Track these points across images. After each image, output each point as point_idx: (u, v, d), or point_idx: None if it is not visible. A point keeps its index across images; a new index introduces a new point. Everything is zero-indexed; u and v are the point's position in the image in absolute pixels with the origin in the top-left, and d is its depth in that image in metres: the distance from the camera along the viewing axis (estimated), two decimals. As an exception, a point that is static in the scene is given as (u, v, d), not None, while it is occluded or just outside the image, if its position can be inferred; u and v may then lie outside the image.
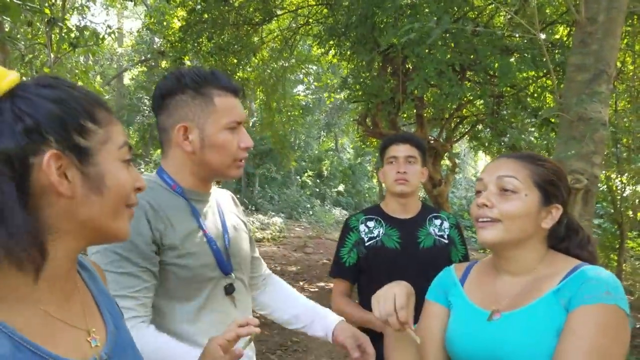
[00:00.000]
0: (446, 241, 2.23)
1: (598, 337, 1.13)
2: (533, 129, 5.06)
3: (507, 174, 1.31)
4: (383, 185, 2.27)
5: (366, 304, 2.24)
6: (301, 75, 14.95)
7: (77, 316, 0.85)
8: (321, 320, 1.74)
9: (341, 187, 23.16)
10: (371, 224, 2.23)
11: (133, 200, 0.88)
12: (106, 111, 0.85)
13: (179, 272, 1.41)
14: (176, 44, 8.45)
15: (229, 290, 1.50)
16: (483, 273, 1.44)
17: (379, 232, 2.21)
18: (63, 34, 7.81)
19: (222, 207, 1.62)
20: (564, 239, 1.38)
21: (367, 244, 2.20)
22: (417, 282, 2.10)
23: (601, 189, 7.56)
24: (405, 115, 8.62)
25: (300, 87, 18.99)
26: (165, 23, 10.11)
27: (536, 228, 1.31)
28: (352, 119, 12.26)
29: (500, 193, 1.29)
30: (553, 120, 5.48)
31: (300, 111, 15.64)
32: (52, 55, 7.73)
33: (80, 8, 10.11)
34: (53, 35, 7.70)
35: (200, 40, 8.17)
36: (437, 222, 2.27)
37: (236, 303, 1.53)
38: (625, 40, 5.97)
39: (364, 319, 2.12)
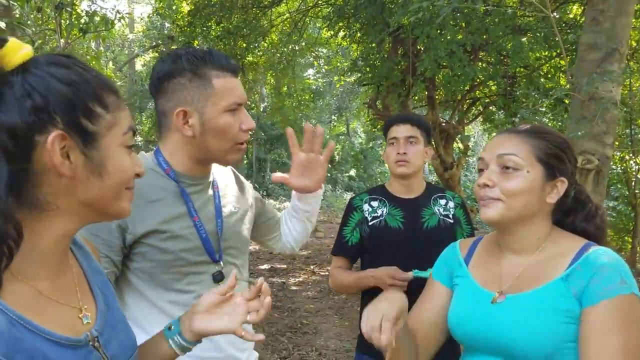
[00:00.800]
0: (451, 221, 2.21)
1: (627, 332, 1.11)
2: (545, 109, 4.98)
3: (507, 152, 1.26)
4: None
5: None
6: (311, 59, 14.85)
7: (69, 294, 0.86)
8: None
9: (353, 172, 23.13)
10: (375, 203, 2.22)
11: (132, 184, 0.88)
12: (115, 95, 0.85)
13: (159, 255, 1.38)
14: (185, 28, 8.43)
15: (217, 277, 1.46)
16: (488, 252, 1.40)
17: (382, 211, 2.20)
18: (72, 20, 7.82)
19: (221, 189, 1.59)
20: (570, 213, 1.34)
21: (370, 223, 2.19)
22: (421, 261, 2.10)
23: (616, 170, 7.46)
24: (416, 97, 8.54)
25: (311, 71, 18.89)
26: (174, 7, 10.07)
27: (541, 204, 1.27)
28: (363, 103, 12.19)
29: (502, 171, 1.26)
30: (566, 100, 5.40)
31: (311, 95, 15.59)
32: (62, 41, 7.74)
33: (89, -7, 10.10)
34: (62, 21, 7.71)
35: (209, 24, 8.14)
36: (442, 201, 2.25)
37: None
38: (641, 19, 5.84)
39: (360, 280, 2.16)
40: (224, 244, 1.50)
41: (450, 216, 2.22)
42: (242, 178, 1.77)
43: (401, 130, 2.19)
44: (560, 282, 1.20)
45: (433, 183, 2.75)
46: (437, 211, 2.21)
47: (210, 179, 1.56)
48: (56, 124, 0.75)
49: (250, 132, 1.49)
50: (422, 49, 6.48)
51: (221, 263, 1.47)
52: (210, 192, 1.54)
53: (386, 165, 2.35)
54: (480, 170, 1.32)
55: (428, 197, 2.25)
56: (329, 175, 22.62)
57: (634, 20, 5.33)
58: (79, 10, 8.12)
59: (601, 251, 1.21)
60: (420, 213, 2.19)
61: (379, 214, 2.20)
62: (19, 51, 0.75)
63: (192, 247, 1.42)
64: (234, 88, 1.42)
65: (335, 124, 24.75)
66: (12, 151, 0.72)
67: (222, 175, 1.65)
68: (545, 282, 1.22)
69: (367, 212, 2.22)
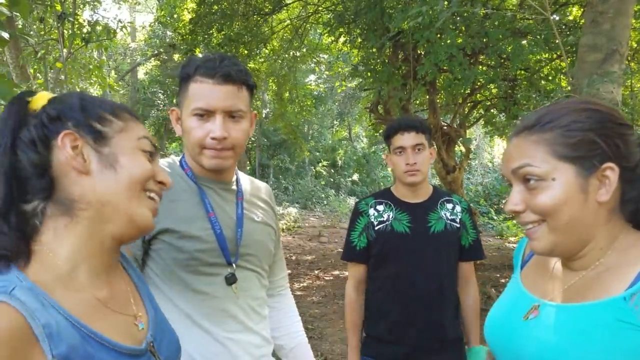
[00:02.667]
0: (458, 225, 2.21)
1: None
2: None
3: (518, 164, 0.99)
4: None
5: (375, 289, 2.24)
6: (312, 65, 14.91)
7: (125, 302, 0.92)
8: None
9: (355, 177, 23.14)
10: (381, 207, 2.21)
11: (154, 188, 0.93)
12: (127, 112, 0.94)
13: (174, 253, 1.41)
14: (187, 36, 8.48)
15: (230, 280, 1.46)
16: (545, 258, 1.16)
17: (388, 216, 2.18)
18: (75, 29, 7.88)
19: (247, 200, 1.60)
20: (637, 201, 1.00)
21: (376, 227, 2.18)
22: (427, 266, 2.11)
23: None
24: (417, 101, 8.56)
25: (312, 77, 18.95)
26: (175, 16, 10.13)
27: (591, 209, 0.96)
28: (364, 107, 12.21)
29: (526, 187, 0.99)
30: (567, 102, 5.40)
31: (313, 101, 15.63)
32: (64, 51, 7.80)
33: (91, 3, 10.18)
34: (65, 31, 7.77)
35: (211, 31, 8.18)
36: (449, 206, 2.24)
37: (239, 294, 1.48)
38: (641, 20, 5.86)
39: (349, 345, 2.26)
40: (242, 250, 1.51)
41: (457, 221, 2.21)
42: (273, 198, 1.76)
43: (407, 139, 2.15)
44: (621, 302, 0.90)
45: (444, 190, 2.74)
46: (444, 215, 2.20)
47: (234, 187, 1.58)
48: (67, 126, 0.86)
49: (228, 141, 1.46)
50: (422, 53, 6.50)
51: (234, 266, 1.48)
52: (233, 199, 1.56)
53: (389, 169, 2.34)
54: (510, 185, 1.07)
55: (435, 201, 2.23)
56: (332, 180, 22.63)
57: (633, 20, 5.34)
58: (81, 20, 8.18)
59: None
60: (427, 217, 2.18)
61: (384, 219, 2.18)
62: (46, 98, 0.90)
63: (208, 247, 1.43)
64: (206, 94, 1.42)
65: (337, 129, 24.78)
66: (35, 160, 0.83)
67: (254, 190, 1.67)
68: (598, 297, 0.94)
69: (372, 217, 2.20)
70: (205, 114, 1.42)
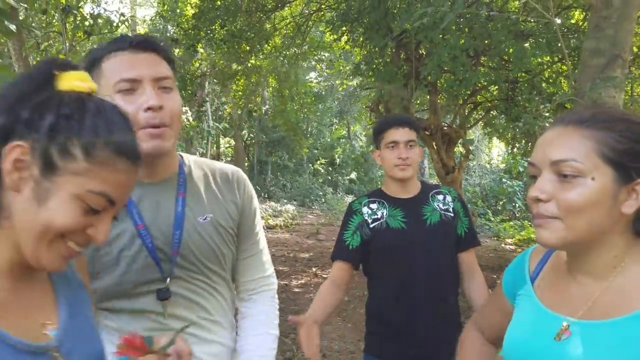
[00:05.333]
0: (452, 214, 2.23)
1: None
2: (548, 114, 5.03)
3: (563, 157, 0.97)
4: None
5: (374, 286, 2.26)
6: (313, 62, 14.92)
7: (34, 309, 0.87)
8: None
9: (353, 175, 23.14)
10: (374, 206, 2.23)
11: (77, 239, 0.83)
12: (117, 156, 0.81)
13: (102, 281, 1.26)
14: (189, 31, 8.49)
15: (161, 295, 1.28)
16: (557, 270, 1.13)
17: (382, 213, 2.20)
18: (77, 22, 7.88)
19: (190, 195, 1.37)
20: None
21: (371, 225, 2.19)
22: (429, 258, 2.12)
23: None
24: (418, 101, 8.59)
25: (313, 75, 18.96)
26: (178, 10, 10.13)
27: (614, 216, 0.97)
28: (364, 106, 12.23)
29: (559, 179, 0.97)
30: (568, 105, 5.44)
31: (313, 98, 15.65)
32: (67, 43, 7.80)
33: (93, -4, 10.17)
34: (67, 24, 7.77)
35: (214, 27, 8.19)
36: (440, 197, 2.26)
37: (171, 309, 1.31)
38: (643, 25, 5.88)
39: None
40: (182, 258, 1.32)
41: (451, 210, 2.24)
42: (240, 180, 1.50)
43: (401, 134, 2.19)
44: None
45: (432, 184, 2.76)
46: (437, 207, 2.22)
47: (174, 183, 1.36)
48: (26, 138, 0.78)
49: (155, 111, 1.22)
50: (425, 53, 6.52)
51: (168, 279, 1.30)
52: (171, 197, 1.34)
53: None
54: (532, 177, 1.03)
55: (426, 195, 2.26)
56: (329, 178, 22.65)
57: (636, 26, 5.37)
58: (83, 13, 8.18)
59: None
60: (421, 211, 2.20)
61: (379, 216, 2.20)
62: (74, 81, 0.83)
63: (138, 267, 1.27)
64: (126, 64, 1.21)
65: (336, 127, 24.80)
66: None
67: (201, 176, 1.43)
68: (628, 311, 0.94)
69: (366, 215, 2.22)
70: (130, 87, 1.20)
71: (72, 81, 0.82)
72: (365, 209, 2.24)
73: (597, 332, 0.96)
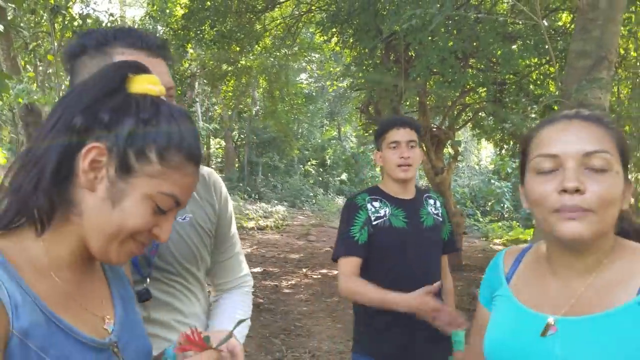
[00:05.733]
0: (441, 219, 2.29)
1: None
2: (535, 116, 5.09)
3: (596, 148, 0.97)
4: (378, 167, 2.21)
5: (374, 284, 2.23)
6: (304, 64, 14.94)
7: (94, 301, 0.90)
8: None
9: (344, 176, 23.16)
10: (376, 204, 2.22)
11: (143, 240, 0.87)
12: (184, 158, 0.85)
13: None
14: (179, 31, 8.48)
15: (143, 296, 1.26)
16: (533, 268, 1.14)
17: (385, 212, 2.20)
18: (66, 22, 7.84)
19: None
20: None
21: (374, 223, 2.19)
22: (425, 260, 2.15)
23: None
24: (407, 103, 8.63)
25: (303, 76, 18.97)
26: (167, 11, 10.11)
27: (618, 212, 1.00)
28: (354, 107, 12.26)
29: (587, 172, 0.96)
30: (555, 107, 5.50)
31: (303, 100, 15.65)
32: (55, 44, 7.76)
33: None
34: (56, 24, 7.73)
35: (203, 27, 8.18)
36: (431, 201, 2.31)
37: (151, 311, 1.29)
38: (629, 27, 5.96)
39: (385, 300, 2.03)
40: (161, 259, 1.31)
41: (440, 215, 2.29)
42: (216, 182, 1.49)
43: (402, 134, 2.19)
44: (637, 307, 0.95)
45: (423, 187, 2.79)
46: (431, 210, 2.26)
47: None
48: (104, 140, 0.81)
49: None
50: (414, 55, 6.56)
51: (148, 280, 1.28)
52: None
53: (377, 169, 2.36)
54: (549, 172, 1.00)
55: (420, 198, 2.29)
56: (320, 179, 22.66)
57: (622, 28, 5.44)
58: (72, 13, 8.14)
59: None
60: (419, 213, 2.23)
61: (381, 214, 2.20)
62: (146, 84, 0.85)
63: None
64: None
65: (327, 128, 24.82)
66: (69, 143, 0.80)
67: None
68: (614, 305, 0.97)
69: (370, 212, 2.21)
70: None
71: (145, 84, 0.85)
72: (369, 206, 2.22)
73: (582, 327, 0.97)
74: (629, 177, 1.04)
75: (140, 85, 0.85)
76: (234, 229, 1.55)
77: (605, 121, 1.03)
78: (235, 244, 1.55)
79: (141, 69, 0.87)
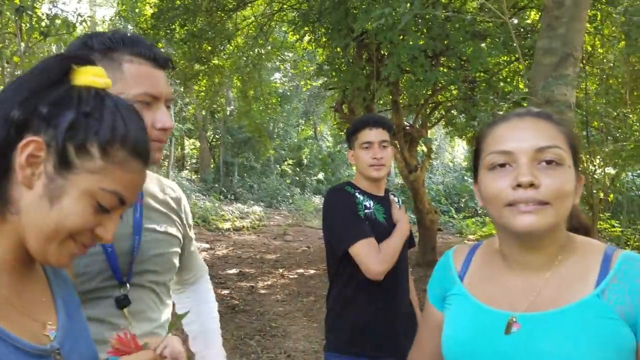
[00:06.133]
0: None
1: None
2: (502, 113, 5.16)
3: (549, 144, 0.99)
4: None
5: (342, 280, 2.20)
6: (277, 63, 14.87)
7: (35, 307, 0.86)
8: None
9: (321, 175, 23.18)
10: (361, 196, 2.23)
11: (85, 241, 0.83)
12: (132, 157, 0.81)
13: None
14: (149, 31, 8.35)
15: (122, 302, 1.26)
16: (488, 264, 1.15)
17: (370, 204, 2.21)
18: (33, 23, 7.66)
19: (147, 203, 1.38)
20: None
21: (365, 211, 2.21)
22: (400, 256, 2.14)
23: (575, 170, 7.71)
24: (381, 101, 8.66)
25: (277, 75, 18.90)
26: (137, 10, 9.96)
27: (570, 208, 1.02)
28: (329, 107, 12.26)
29: (540, 167, 0.98)
30: (525, 104, 5.57)
31: (278, 99, 15.60)
32: (22, 45, 7.58)
33: (50, -4, 9.90)
34: (23, 24, 7.55)
35: (173, 27, 8.09)
36: (395, 199, 2.36)
37: (131, 318, 1.28)
38: (595, 24, 6.07)
39: (399, 237, 2.14)
40: (138, 267, 1.31)
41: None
42: (186, 207, 1.56)
43: (374, 134, 2.21)
44: (595, 300, 0.97)
45: (398, 186, 2.81)
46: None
47: None
48: (43, 134, 0.77)
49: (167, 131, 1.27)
50: (386, 54, 6.58)
51: (127, 286, 1.28)
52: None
53: (354, 168, 2.36)
54: (502, 166, 1.02)
55: (388, 196, 2.33)
56: (297, 178, 22.63)
57: (588, 25, 5.53)
58: (39, 14, 7.96)
59: (634, 257, 1.00)
60: (385, 209, 2.26)
61: (368, 206, 2.21)
62: (91, 76, 0.82)
63: (96, 270, 1.24)
64: (150, 77, 1.22)
65: (303, 127, 24.80)
66: (5, 137, 0.76)
67: (155, 189, 1.45)
68: (573, 299, 0.99)
69: (362, 201, 2.22)
70: (150, 102, 1.22)
71: (89, 76, 0.82)
72: (358, 195, 2.23)
73: (545, 322, 0.98)
74: (579, 171, 1.05)
75: (85, 77, 0.82)
76: (192, 233, 1.61)
77: (555, 118, 1.06)
78: (192, 239, 1.61)
79: (86, 61, 0.84)
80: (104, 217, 0.82)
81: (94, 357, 0.94)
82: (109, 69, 1.16)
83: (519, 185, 0.97)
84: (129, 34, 1.25)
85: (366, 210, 2.19)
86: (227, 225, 13.50)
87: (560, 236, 1.04)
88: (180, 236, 1.48)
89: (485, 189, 1.05)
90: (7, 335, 0.76)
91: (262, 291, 7.27)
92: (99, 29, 19.49)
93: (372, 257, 2.04)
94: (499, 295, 1.07)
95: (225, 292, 7.05)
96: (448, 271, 1.21)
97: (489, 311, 1.06)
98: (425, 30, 5.65)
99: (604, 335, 0.94)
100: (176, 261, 1.45)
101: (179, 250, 1.47)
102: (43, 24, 7.81)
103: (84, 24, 8.73)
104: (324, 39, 7.60)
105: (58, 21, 7.84)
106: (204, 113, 17.86)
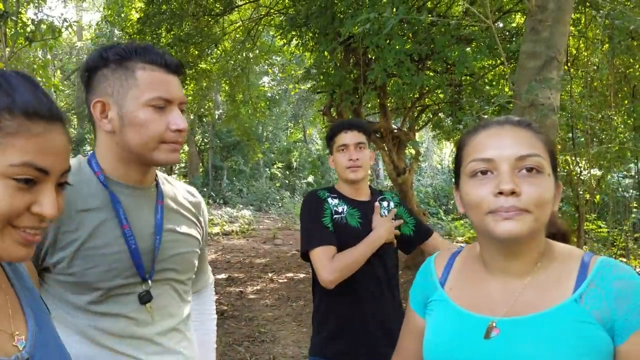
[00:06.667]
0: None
1: None
2: (487, 116, 5.19)
3: (530, 152, 1.01)
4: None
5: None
6: (265, 67, 14.86)
7: (1, 317, 0.84)
8: None
9: (311, 178, 23.19)
10: (335, 201, 2.25)
11: (27, 224, 0.77)
12: (28, 120, 0.75)
13: (80, 276, 1.26)
14: (135, 36, 8.32)
15: (144, 298, 1.32)
16: (469, 270, 1.16)
17: (343, 209, 2.23)
18: (18, 28, 7.60)
19: (167, 205, 1.44)
20: None
21: (333, 217, 2.21)
22: (373, 263, 2.14)
23: (560, 173, 7.76)
24: (369, 105, 8.68)
25: (266, 79, 18.89)
26: (123, 15, 9.92)
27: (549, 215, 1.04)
28: (318, 110, 12.26)
29: (521, 174, 1.00)
30: (511, 107, 5.61)
31: (267, 102, 15.58)
32: (7, 50, 7.51)
33: (35, 1, 9.83)
34: (7, 30, 7.48)
35: (160, 31, 8.06)
36: (385, 204, 2.32)
37: (153, 313, 1.35)
38: (579, 27, 6.12)
39: (373, 243, 2.09)
40: (160, 265, 1.37)
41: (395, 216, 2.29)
42: (202, 207, 1.61)
43: (350, 137, 2.25)
44: (573, 304, 0.99)
45: (387, 188, 2.80)
46: (384, 213, 2.27)
47: (154, 190, 1.43)
48: None
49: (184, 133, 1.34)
50: (373, 58, 6.60)
51: (149, 282, 1.34)
52: (152, 203, 1.40)
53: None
54: (483, 173, 1.03)
55: (374, 200, 2.31)
56: (287, 181, 22.62)
57: (572, 28, 5.58)
58: (24, 19, 7.90)
59: (614, 265, 1.02)
60: (372, 216, 2.23)
61: (340, 211, 2.22)
62: None
63: (120, 266, 1.29)
64: (163, 82, 1.30)
65: (292, 130, 24.80)
66: None
67: (178, 195, 1.51)
68: (551, 304, 1.01)
69: (332, 206, 2.24)
70: (163, 106, 1.29)
71: None
72: (330, 200, 2.26)
73: (524, 327, 1.00)
74: (558, 179, 1.07)
75: None
76: (207, 241, 1.70)
77: (534, 127, 1.07)
78: (205, 252, 1.70)
79: None
80: (33, 193, 0.76)
81: None
82: (124, 77, 1.28)
83: (500, 193, 0.98)
84: (142, 45, 1.33)
85: (335, 216, 2.20)
86: (216, 229, 13.45)
87: (539, 243, 1.06)
88: (199, 238, 1.54)
89: (466, 196, 1.06)
90: None
91: (251, 296, 7.25)
92: (85, 34, 19.39)
93: (324, 265, 2.05)
94: (479, 300, 1.09)
95: (214, 297, 7.02)
96: (429, 277, 1.22)
97: (469, 316, 1.08)
98: (411, 35, 5.68)
99: (582, 339, 0.95)
100: (195, 261, 1.52)
101: (198, 250, 1.53)
102: (28, 29, 7.75)
103: (69, 28, 8.67)
104: (311, 43, 7.60)
105: (44, 26, 7.78)
106: (192, 117, 17.80)
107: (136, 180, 1.38)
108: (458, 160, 1.14)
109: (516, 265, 1.06)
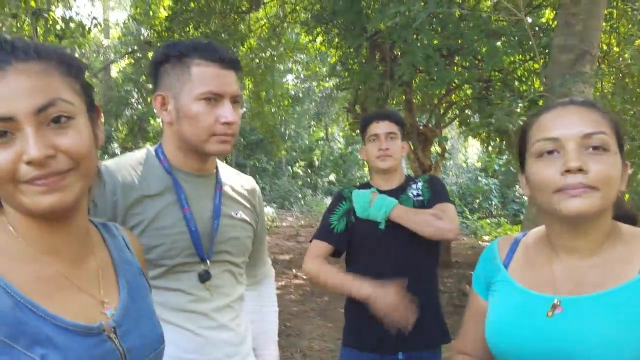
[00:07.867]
0: (421, 198, 2.26)
1: None
2: (519, 111, 5.12)
3: (595, 130, 1.01)
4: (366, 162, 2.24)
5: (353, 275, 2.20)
6: (290, 65, 14.90)
7: (92, 282, 0.86)
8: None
9: (332, 177, 23.19)
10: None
11: (28, 176, 0.74)
12: None
13: (145, 253, 1.29)
14: (163, 33, 8.41)
15: (203, 277, 1.42)
16: (534, 251, 1.17)
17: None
18: (49, 26, 7.75)
19: (226, 192, 1.54)
20: None
21: (349, 215, 2.24)
22: (403, 246, 2.14)
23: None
24: (394, 101, 8.64)
25: (290, 77, 18.93)
26: (151, 13, 10.04)
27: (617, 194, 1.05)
28: (341, 107, 12.26)
29: (587, 152, 1.00)
30: (541, 102, 5.53)
31: (290, 100, 15.62)
32: (38, 47, 7.65)
33: (65, -1, 10.01)
34: (38, 28, 7.63)
35: (187, 29, 8.13)
36: (414, 185, 2.31)
37: (213, 292, 1.45)
38: (611, 23, 6.01)
39: (343, 285, 2.12)
40: (217, 246, 1.47)
41: (421, 194, 2.27)
42: (258, 194, 1.71)
43: (381, 127, 2.27)
44: (639, 284, 1.00)
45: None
46: (411, 195, 2.28)
47: (214, 178, 1.53)
48: None
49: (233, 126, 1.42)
50: (399, 53, 6.57)
51: (208, 262, 1.43)
52: (211, 190, 1.51)
53: (365, 169, 2.38)
54: (549, 153, 1.04)
55: (406, 185, 2.32)
56: (309, 180, 22.65)
57: (604, 23, 5.48)
58: (55, 17, 8.05)
59: None
60: (399, 200, 2.23)
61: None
62: None
63: (181, 246, 1.39)
64: (215, 77, 1.38)
65: (314, 129, 24.80)
66: None
67: (235, 184, 1.61)
68: (617, 283, 1.01)
69: (345, 204, 2.28)
70: (214, 99, 1.37)
71: None
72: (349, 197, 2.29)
73: (588, 305, 1.01)
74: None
75: None
76: (265, 229, 1.80)
77: (599, 106, 1.08)
78: (264, 229, 1.79)
79: None
80: (16, 144, 0.74)
81: (157, 339, 0.94)
82: (181, 73, 1.38)
83: (567, 171, 0.99)
84: (200, 42, 1.42)
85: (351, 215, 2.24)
86: (239, 226, 13.52)
87: (606, 222, 1.06)
88: (253, 223, 1.63)
89: (533, 177, 1.07)
90: (46, 314, 0.75)
91: (277, 291, 7.25)
92: (112, 32, 19.67)
93: (309, 256, 2.23)
94: (543, 280, 1.10)
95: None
96: (493, 259, 1.23)
97: (533, 295, 1.09)
98: (439, 29, 5.63)
99: None
100: (249, 244, 1.61)
101: (252, 235, 1.62)
102: (58, 27, 7.90)
103: (98, 27, 8.82)
104: (337, 40, 7.60)
105: (73, 24, 7.92)
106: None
107: (196, 167, 1.49)
108: (522, 143, 1.15)
109: (582, 244, 1.07)
